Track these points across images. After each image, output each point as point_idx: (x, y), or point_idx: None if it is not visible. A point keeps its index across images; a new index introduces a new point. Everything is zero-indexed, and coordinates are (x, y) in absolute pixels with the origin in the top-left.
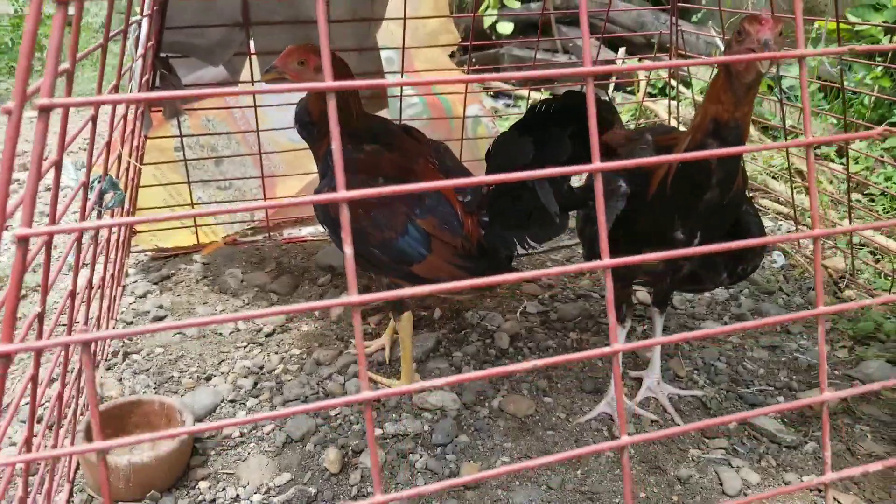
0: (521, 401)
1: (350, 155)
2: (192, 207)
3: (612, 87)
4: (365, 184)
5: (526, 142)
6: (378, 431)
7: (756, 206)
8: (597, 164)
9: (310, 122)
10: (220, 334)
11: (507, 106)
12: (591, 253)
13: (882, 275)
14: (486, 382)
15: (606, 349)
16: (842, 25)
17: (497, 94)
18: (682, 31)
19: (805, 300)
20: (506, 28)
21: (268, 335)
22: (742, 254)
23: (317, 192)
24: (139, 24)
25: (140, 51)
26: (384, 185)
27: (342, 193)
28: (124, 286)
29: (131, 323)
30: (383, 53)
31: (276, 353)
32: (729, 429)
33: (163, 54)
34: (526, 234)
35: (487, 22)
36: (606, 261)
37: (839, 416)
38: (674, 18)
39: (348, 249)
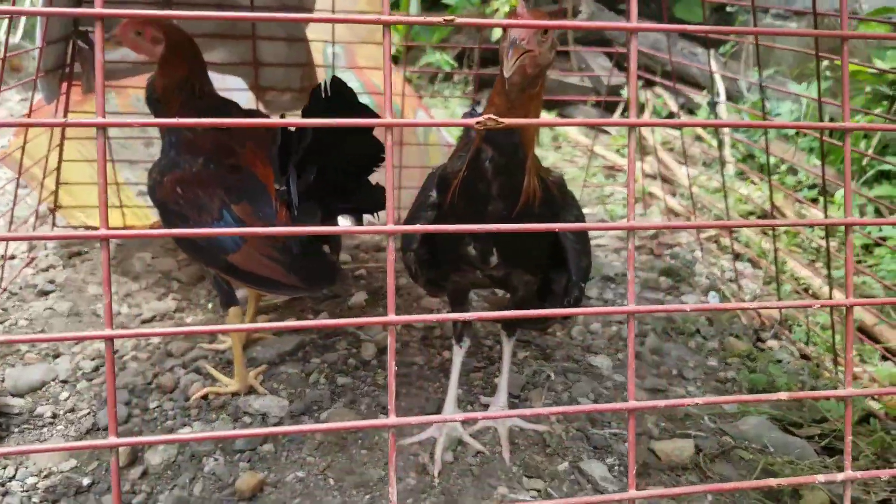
0: (347, 415)
1: (181, 134)
2: (118, 187)
3: (618, 113)
4: (187, 163)
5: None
6: (186, 430)
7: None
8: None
9: (155, 99)
10: (98, 315)
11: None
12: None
13: (820, 326)
14: (326, 391)
15: (383, 318)
16: (863, 68)
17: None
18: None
19: (721, 345)
20: None
21: (144, 321)
22: (566, 288)
23: (151, 169)
24: None
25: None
26: (204, 164)
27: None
28: (33, 258)
29: (15, 294)
30: (329, 48)
31: (137, 340)
32: (557, 470)
33: (82, 28)
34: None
35: (497, 34)
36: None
37: (688, 472)
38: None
39: None
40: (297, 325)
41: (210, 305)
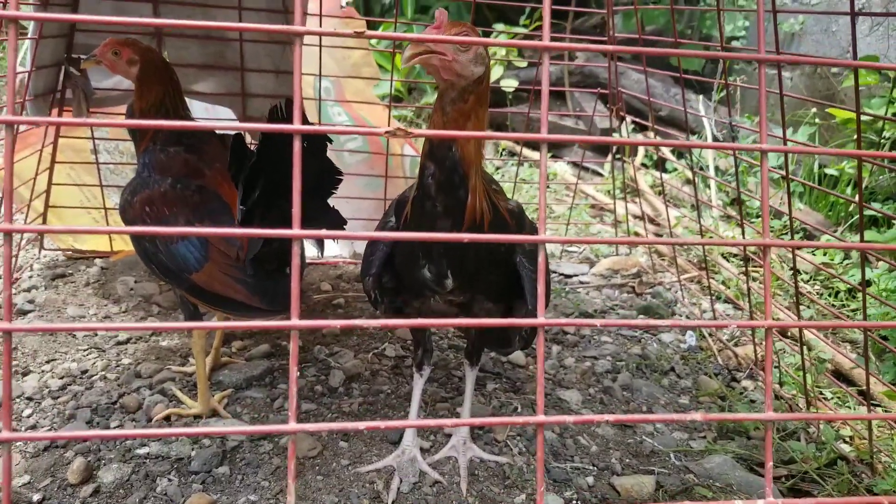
0: (304, 440)
1: (154, 155)
2: (106, 212)
3: (610, 155)
4: (156, 182)
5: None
6: (143, 450)
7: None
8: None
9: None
10: (74, 336)
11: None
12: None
13: (794, 368)
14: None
15: (286, 322)
16: (852, 115)
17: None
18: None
19: (695, 384)
20: (510, 85)
21: (120, 343)
22: (511, 315)
23: (124, 189)
24: None
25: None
26: (172, 185)
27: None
28: (17, 279)
29: None
30: (321, 83)
31: (109, 360)
32: (513, 502)
33: (75, 55)
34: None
35: (493, 76)
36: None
37: None
38: (614, 63)
39: None
40: (165, 326)
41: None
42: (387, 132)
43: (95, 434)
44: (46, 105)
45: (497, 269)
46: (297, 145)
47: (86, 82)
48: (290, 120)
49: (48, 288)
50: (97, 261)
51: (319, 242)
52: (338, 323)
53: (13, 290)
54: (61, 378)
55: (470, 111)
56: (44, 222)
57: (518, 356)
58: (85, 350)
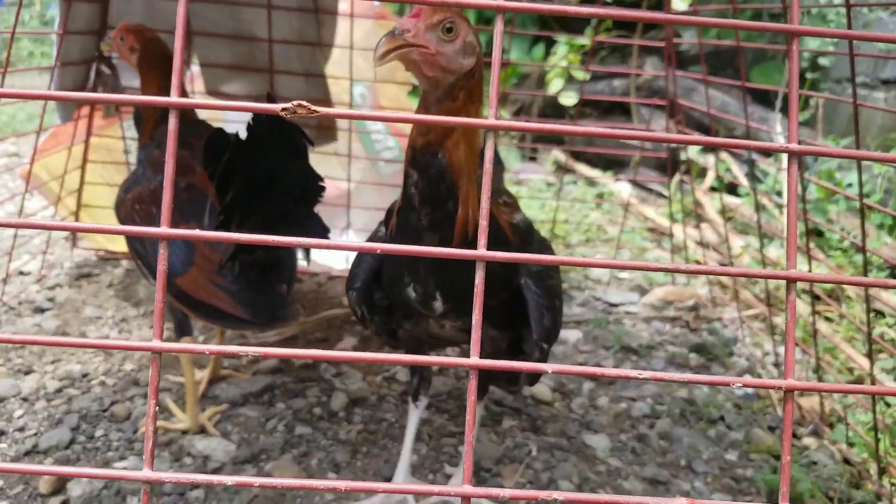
0: (288, 469)
1: (150, 150)
2: None
3: (676, 179)
4: (147, 179)
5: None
6: (121, 464)
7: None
8: None
9: (139, 116)
10: (85, 335)
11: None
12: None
13: (866, 427)
14: (280, 440)
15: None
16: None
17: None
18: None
19: (746, 437)
20: (568, 99)
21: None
22: (520, 346)
23: (120, 185)
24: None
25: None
26: (161, 182)
27: None
28: (44, 276)
29: (13, 309)
30: (356, 88)
31: (112, 364)
32: None
33: (107, 53)
34: None
35: (553, 88)
36: None
37: None
38: (672, 71)
39: None
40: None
41: (201, 338)
42: (283, 109)
43: None
44: (73, 103)
45: (496, 291)
46: (172, 122)
47: (116, 81)
48: (270, 125)
49: (71, 287)
50: (124, 262)
51: (306, 250)
52: (206, 348)
53: (37, 287)
54: (60, 380)
55: (459, 110)
56: (76, 221)
57: (543, 391)
58: (92, 351)
